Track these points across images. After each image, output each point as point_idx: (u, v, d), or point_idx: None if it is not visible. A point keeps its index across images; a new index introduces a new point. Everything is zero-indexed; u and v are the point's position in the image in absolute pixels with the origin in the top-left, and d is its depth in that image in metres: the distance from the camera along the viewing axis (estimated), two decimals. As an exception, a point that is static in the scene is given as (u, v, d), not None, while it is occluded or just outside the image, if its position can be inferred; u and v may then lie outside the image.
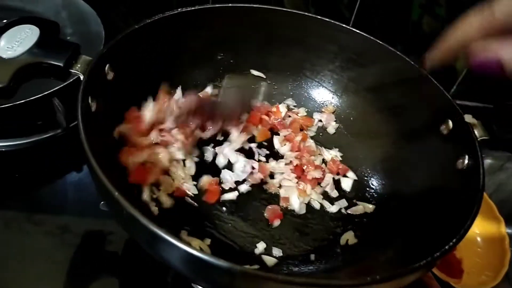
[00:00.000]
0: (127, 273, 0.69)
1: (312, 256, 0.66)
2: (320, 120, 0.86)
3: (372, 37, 0.78)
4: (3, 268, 0.67)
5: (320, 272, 0.63)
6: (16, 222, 0.73)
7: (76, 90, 0.57)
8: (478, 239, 0.82)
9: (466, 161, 0.63)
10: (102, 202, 0.75)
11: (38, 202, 0.78)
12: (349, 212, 0.73)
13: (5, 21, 0.63)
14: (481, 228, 0.82)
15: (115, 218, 0.56)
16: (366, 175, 0.78)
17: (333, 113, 0.86)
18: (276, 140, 0.81)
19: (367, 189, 0.77)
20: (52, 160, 0.84)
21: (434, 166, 0.68)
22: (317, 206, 0.73)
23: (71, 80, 0.75)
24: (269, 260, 0.64)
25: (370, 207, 0.73)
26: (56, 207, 0.77)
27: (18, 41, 0.59)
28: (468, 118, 0.65)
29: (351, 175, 0.78)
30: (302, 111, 0.87)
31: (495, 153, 0.99)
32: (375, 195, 0.75)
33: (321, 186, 0.76)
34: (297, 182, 0.75)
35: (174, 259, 0.48)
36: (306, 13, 0.81)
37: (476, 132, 0.64)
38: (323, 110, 0.87)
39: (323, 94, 0.88)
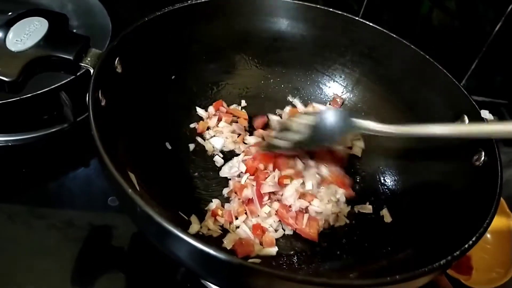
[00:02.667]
0: (133, 268, 0.68)
1: (321, 255, 0.65)
2: None
3: (385, 30, 0.77)
4: (9, 263, 0.66)
5: (332, 271, 0.62)
6: (22, 216, 0.72)
7: (84, 84, 0.57)
8: (488, 235, 0.80)
9: (483, 158, 0.62)
10: (110, 198, 0.74)
11: (44, 196, 0.77)
12: (360, 210, 0.72)
13: (10, 13, 0.62)
14: (491, 224, 0.81)
15: (128, 215, 0.55)
16: (378, 171, 0.77)
17: (341, 106, 0.85)
18: None
19: (379, 186, 0.75)
20: (59, 154, 0.83)
21: (449, 162, 0.67)
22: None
23: (79, 73, 0.74)
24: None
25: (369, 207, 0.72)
26: (62, 201, 0.77)
27: (27, 34, 0.58)
28: (485, 113, 0.64)
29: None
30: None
31: (503, 149, 0.98)
32: (388, 193, 0.74)
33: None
34: None
35: (188, 257, 0.48)
36: (318, 6, 0.80)
37: (492, 128, 0.63)
38: (330, 103, 0.85)
39: (334, 88, 0.86)
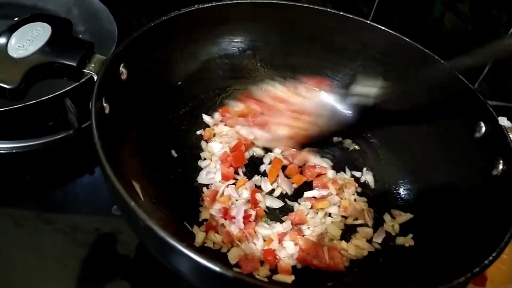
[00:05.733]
0: (138, 277, 0.67)
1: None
2: None
3: (398, 34, 0.75)
4: (15, 268, 0.66)
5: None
6: (28, 222, 0.71)
7: (88, 91, 0.55)
8: (504, 245, 0.78)
9: (501, 167, 0.60)
10: (114, 207, 0.73)
11: (50, 203, 0.76)
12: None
13: (16, 19, 0.61)
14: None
15: (130, 226, 0.54)
16: (391, 180, 0.75)
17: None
18: None
19: (395, 196, 0.73)
20: (64, 161, 0.83)
21: (466, 172, 0.65)
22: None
23: (83, 80, 0.73)
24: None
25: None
26: (68, 208, 0.76)
27: (30, 40, 0.57)
28: (502, 120, 0.62)
29: None
30: None
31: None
32: (402, 203, 0.71)
33: None
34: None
35: (191, 273, 0.47)
36: (327, 9, 0.79)
37: (511, 136, 0.61)
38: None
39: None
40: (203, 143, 0.76)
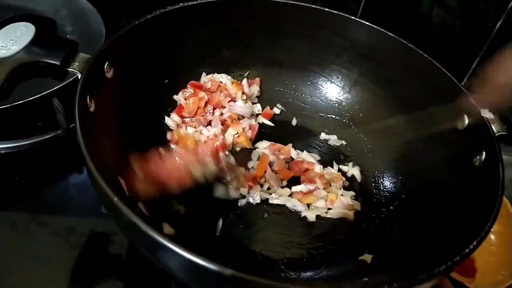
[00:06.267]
0: (131, 276, 0.67)
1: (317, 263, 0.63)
2: None
3: (384, 30, 0.76)
4: (8, 270, 0.65)
5: (327, 279, 0.61)
6: (18, 223, 0.71)
7: (75, 90, 0.55)
8: (492, 236, 0.78)
9: (484, 158, 0.60)
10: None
11: (40, 203, 0.76)
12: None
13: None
14: (494, 225, 0.79)
15: (115, 222, 0.54)
16: (376, 173, 0.76)
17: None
18: None
19: (380, 187, 0.74)
20: (53, 161, 0.83)
21: (449, 163, 0.65)
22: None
23: (71, 79, 0.73)
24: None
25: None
26: (59, 208, 0.75)
27: (13, 39, 0.57)
28: (485, 113, 0.62)
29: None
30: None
31: (506, 148, 0.96)
32: (388, 195, 0.72)
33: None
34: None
35: (176, 267, 0.46)
36: (314, 6, 0.79)
37: (493, 128, 0.61)
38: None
39: (331, 89, 0.85)
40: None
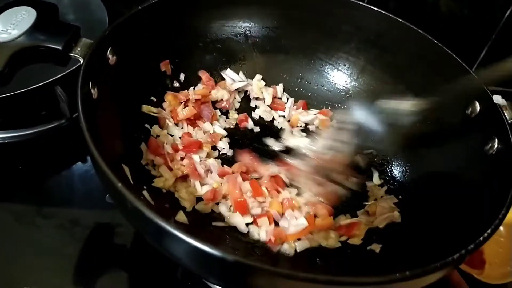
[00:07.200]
0: (136, 266, 0.67)
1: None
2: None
3: (392, 15, 0.74)
4: (13, 262, 0.65)
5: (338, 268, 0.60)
6: (22, 215, 0.71)
7: (78, 77, 0.54)
8: (501, 228, 0.76)
9: (496, 145, 0.59)
10: (107, 195, 0.72)
11: (44, 194, 0.75)
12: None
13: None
14: (504, 216, 0.78)
15: (119, 210, 0.53)
16: (386, 162, 0.75)
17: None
18: None
19: (387, 178, 0.73)
20: (57, 151, 0.82)
21: (461, 151, 0.64)
22: None
23: (74, 67, 0.72)
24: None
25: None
26: (63, 199, 0.75)
27: (14, 24, 0.56)
28: (497, 99, 0.61)
29: None
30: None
31: None
32: (397, 185, 0.71)
33: None
34: None
35: (181, 254, 0.46)
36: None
37: (506, 114, 0.60)
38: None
39: (338, 77, 0.83)
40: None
